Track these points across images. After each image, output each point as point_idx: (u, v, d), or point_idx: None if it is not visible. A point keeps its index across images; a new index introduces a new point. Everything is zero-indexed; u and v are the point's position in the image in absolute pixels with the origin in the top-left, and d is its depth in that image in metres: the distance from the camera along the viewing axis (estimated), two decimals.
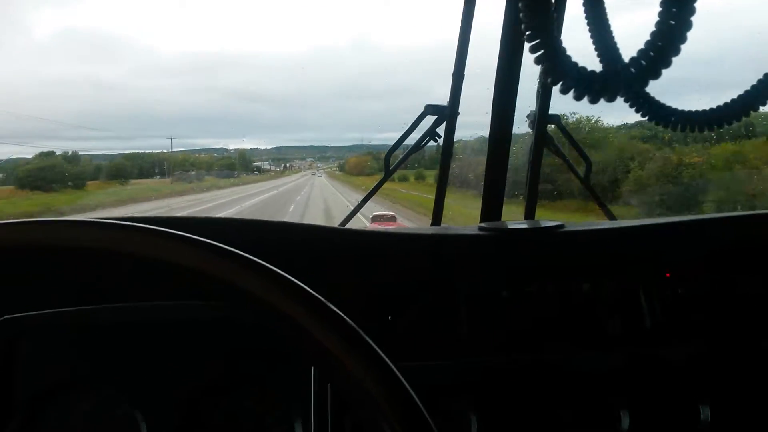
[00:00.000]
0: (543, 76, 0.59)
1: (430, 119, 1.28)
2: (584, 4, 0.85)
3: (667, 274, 0.96)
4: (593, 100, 0.61)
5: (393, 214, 3.16)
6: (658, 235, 1.04)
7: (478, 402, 0.88)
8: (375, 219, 3.10)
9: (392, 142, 1.34)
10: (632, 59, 0.59)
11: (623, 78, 0.61)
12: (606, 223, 1.11)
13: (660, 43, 0.58)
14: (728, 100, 0.70)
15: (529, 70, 1.30)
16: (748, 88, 0.71)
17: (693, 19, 0.57)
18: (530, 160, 1.35)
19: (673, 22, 0.57)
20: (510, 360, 0.91)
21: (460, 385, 0.89)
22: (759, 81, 0.70)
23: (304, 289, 0.43)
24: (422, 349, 0.89)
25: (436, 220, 1.34)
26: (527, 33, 0.58)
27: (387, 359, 0.42)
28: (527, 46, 0.59)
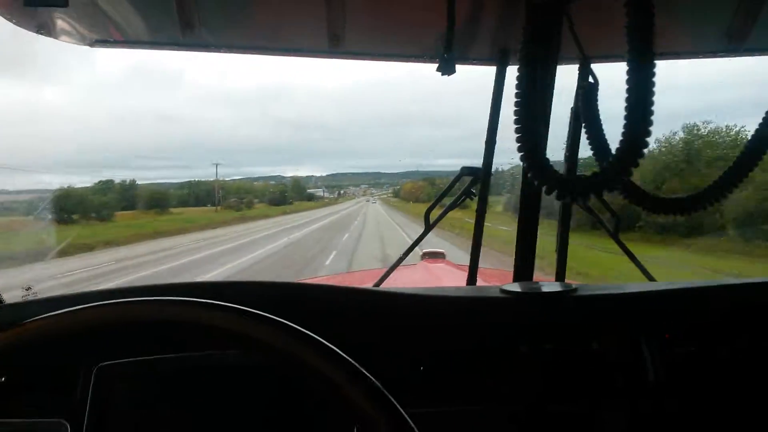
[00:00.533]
0: (533, 180, 0.76)
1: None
2: (582, 114, 1.00)
3: (667, 336, 1.06)
4: (573, 202, 0.78)
5: (443, 251, 3.32)
6: (660, 300, 1.15)
7: None
8: (425, 256, 3.26)
9: (447, 168, 1.49)
10: (609, 162, 0.73)
11: (595, 184, 0.76)
12: (615, 287, 1.20)
13: (627, 147, 0.71)
14: (702, 189, 0.81)
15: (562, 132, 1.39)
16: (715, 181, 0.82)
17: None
18: (560, 219, 1.44)
19: (634, 128, 0.70)
20: (530, 409, 1.04)
21: (485, 429, 1.03)
22: (725, 172, 0.80)
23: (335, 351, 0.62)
24: (451, 397, 1.03)
25: (472, 278, 1.43)
26: (520, 153, 0.75)
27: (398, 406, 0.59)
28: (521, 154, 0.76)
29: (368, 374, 0.61)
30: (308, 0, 1.20)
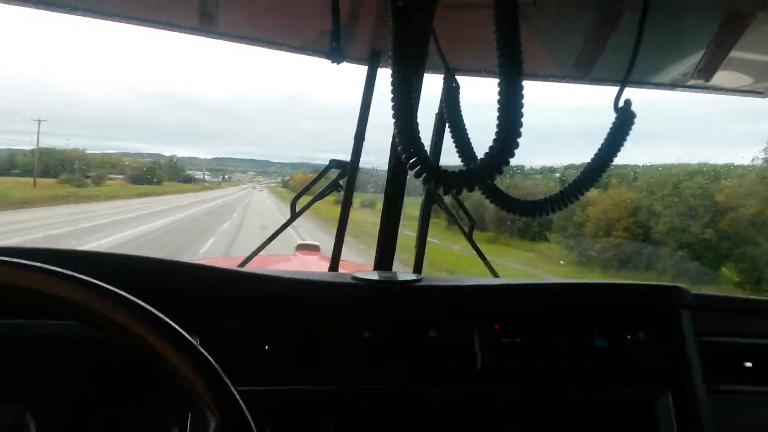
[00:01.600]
0: (411, 169, 0.80)
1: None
2: (447, 118, 1.08)
3: (496, 326, 1.21)
4: (447, 192, 0.83)
5: (317, 244, 3.35)
6: (494, 294, 1.29)
7: (336, 420, 1.11)
8: (299, 248, 3.27)
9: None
10: (481, 159, 0.79)
11: (468, 178, 0.81)
12: (458, 280, 1.36)
13: (498, 147, 0.77)
14: (550, 195, 0.93)
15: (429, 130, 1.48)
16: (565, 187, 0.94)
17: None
18: (420, 215, 1.54)
19: (506, 130, 0.77)
20: (367, 389, 1.14)
21: (324, 407, 1.12)
22: (570, 184, 0.93)
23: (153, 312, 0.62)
24: (293, 375, 1.11)
25: (335, 263, 1.49)
26: (402, 154, 0.78)
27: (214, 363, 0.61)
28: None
29: (185, 334, 0.61)
30: None
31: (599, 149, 0.97)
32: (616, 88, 1.01)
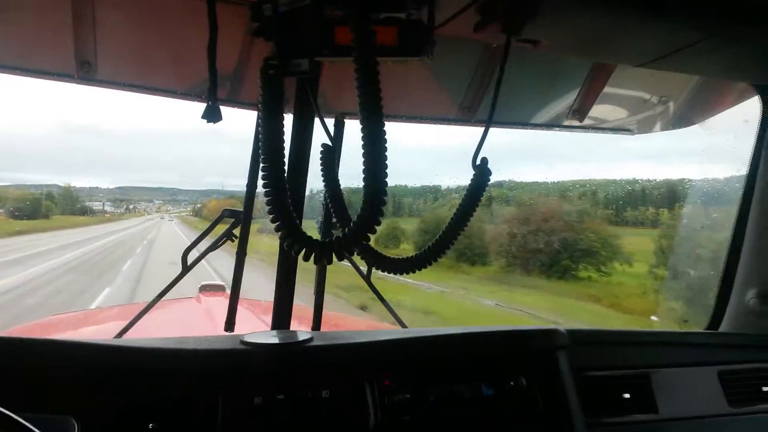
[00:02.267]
0: (287, 248, 0.81)
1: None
2: (323, 173, 1.10)
3: (386, 383, 1.22)
4: (316, 262, 0.84)
5: (223, 284, 3.14)
6: (383, 348, 1.29)
7: None
8: (203, 289, 2.99)
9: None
10: (352, 225, 0.81)
11: (338, 248, 0.82)
12: (352, 335, 1.35)
13: (367, 215, 0.80)
14: (419, 253, 0.97)
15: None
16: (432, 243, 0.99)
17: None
18: (317, 274, 1.55)
19: (372, 192, 0.79)
20: None
21: None
22: (436, 240, 0.98)
23: None
24: None
25: (230, 323, 1.47)
26: (270, 214, 0.78)
27: None
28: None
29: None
30: (54, 21, 1.14)
31: (460, 204, 1.05)
32: (501, 130, 1.07)
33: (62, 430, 0.95)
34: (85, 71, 1.24)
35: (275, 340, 1.19)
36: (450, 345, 1.33)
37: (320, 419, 1.15)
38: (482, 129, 1.63)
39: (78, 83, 1.28)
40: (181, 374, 1.10)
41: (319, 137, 1.38)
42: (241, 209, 1.43)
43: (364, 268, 1.58)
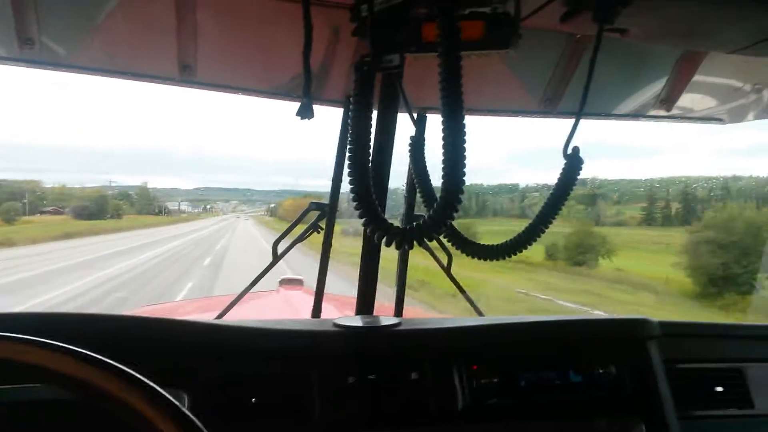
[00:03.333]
0: (370, 234, 0.86)
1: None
2: (412, 164, 1.15)
3: (474, 367, 1.26)
4: (398, 248, 0.89)
5: (301, 278, 3.34)
6: (471, 334, 1.36)
7: None
8: (283, 282, 3.23)
9: (323, 189, 1.63)
10: (429, 216, 0.85)
11: (417, 233, 0.87)
12: (438, 321, 1.43)
13: (445, 199, 0.84)
14: (508, 240, 1.00)
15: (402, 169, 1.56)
16: (521, 232, 1.02)
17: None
18: (399, 257, 1.60)
19: (451, 179, 0.83)
20: None
21: None
22: (525, 229, 1.00)
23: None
24: (280, 428, 1.15)
25: (317, 310, 1.58)
26: (356, 208, 0.85)
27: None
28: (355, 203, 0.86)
29: (170, 398, 0.65)
30: (159, 27, 1.25)
31: (551, 194, 1.05)
32: (585, 121, 1.08)
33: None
34: (186, 74, 1.36)
35: (366, 323, 1.29)
36: (537, 332, 1.39)
37: (409, 400, 1.22)
38: (563, 120, 1.64)
39: (179, 86, 1.41)
40: (278, 353, 1.21)
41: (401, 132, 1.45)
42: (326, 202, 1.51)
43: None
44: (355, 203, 0.90)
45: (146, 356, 1.09)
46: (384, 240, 0.88)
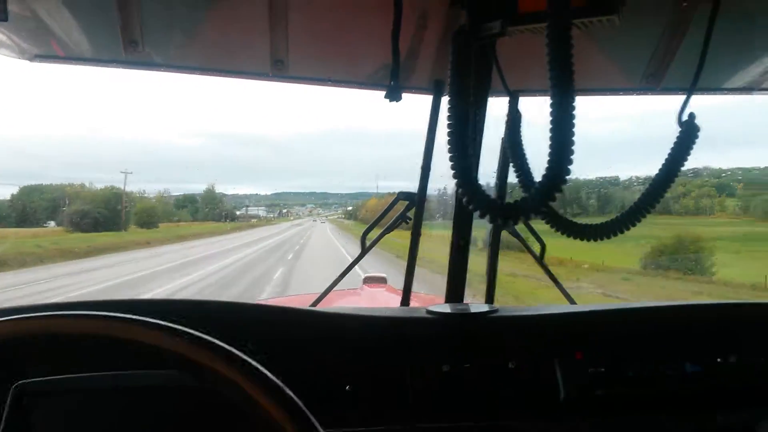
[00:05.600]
0: (467, 205, 0.87)
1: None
2: (508, 145, 1.15)
3: (578, 356, 1.24)
4: (504, 224, 0.90)
5: (384, 276, 3.41)
6: (574, 322, 1.35)
7: None
8: (366, 280, 3.33)
9: (398, 190, 1.62)
10: (535, 189, 0.85)
11: (523, 208, 0.87)
12: (535, 309, 1.40)
13: (551, 175, 0.83)
14: (613, 219, 0.98)
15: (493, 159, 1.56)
16: (630, 206, 0.99)
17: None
18: (490, 243, 1.61)
19: (557, 157, 0.82)
20: (450, 426, 1.20)
21: None
22: (635, 203, 0.98)
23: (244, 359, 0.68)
24: (375, 414, 1.19)
25: (406, 298, 1.60)
26: (457, 185, 0.86)
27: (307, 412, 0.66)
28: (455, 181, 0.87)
29: (284, 386, 0.67)
30: (252, 25, 1.32)
31: (664, 164, 1.02)
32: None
33: None
34: (278, 69, 1.44)
35: (459, 310, 1.30)
36: (647, 319, 1.34)
37: (508, 390, 1.22)
38: (666, 97, 1.58)
39: (272, 80, 1.49)
40: (373, 340, 1.25)
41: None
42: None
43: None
44: (456, 180, 0.91)
45: (239, 341, 1.15)
46: (488, 216, 0.88)
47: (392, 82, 1.19)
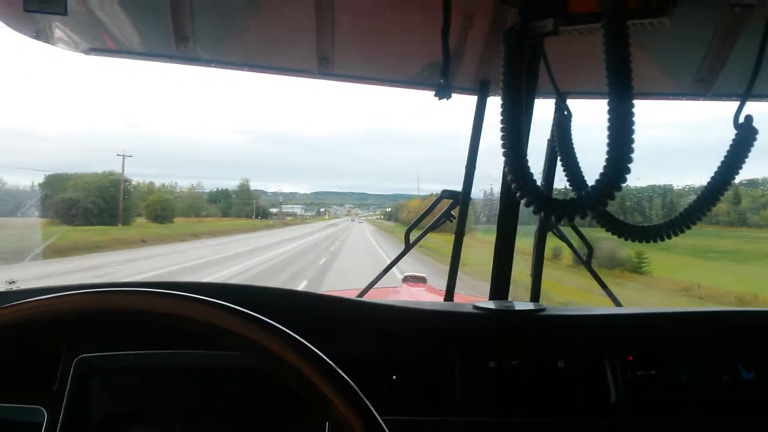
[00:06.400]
0: (520, 199, 0.88)
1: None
2: (558, 146, 1.16)
3: (630, 358, 1.24)
4: (558, 221, 0.90)
5: (424, 276, 3.49)
6: (624, 323, 1.34)
7: None
8: (406, 279, 3.41)
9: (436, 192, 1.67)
10: (592, 186, 0.85)
11: (579, 206, 0.87)
12: (583, 309, 1.40)
13: (609, 174, 0.84)
14: (669, 220, 0.97)
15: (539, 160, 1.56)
16: (685, 209, 0.98)
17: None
18: (535, 243, 1.61)
19: (617, 155, 0.83)
20: (496, 422, 1.20)
21: None
22: (690, 206, 0.97)
23: (308, 347, 0.69)
24: (421, 405, 1.20)
25: (450, 294, 1.59)
26: (511, 181, 0.87)
27: (368, 403, 0.67)
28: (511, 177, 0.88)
29: (340, 371, 0.68)
30: (299, 22, 1.36)
31: (719, 168, 1.01)
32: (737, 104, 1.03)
33: None
34: (324, 67, 1.47)
35: (506, 308, 1.31)
36: (700, 322, 1.34)
37: (556, 389, 1.23)
38: (714, 103, 1.55)
39: (318, 78, 1.52)
40: (420, 333, 1.27)
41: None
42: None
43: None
44: (509, 175, 0.92)
45: (292, 327, 1.18)
46: (542, 213, 0.89)
47: (442, 80, 1.20)
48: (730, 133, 1.02)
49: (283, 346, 0.67)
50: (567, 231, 1.68)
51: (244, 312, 0.69)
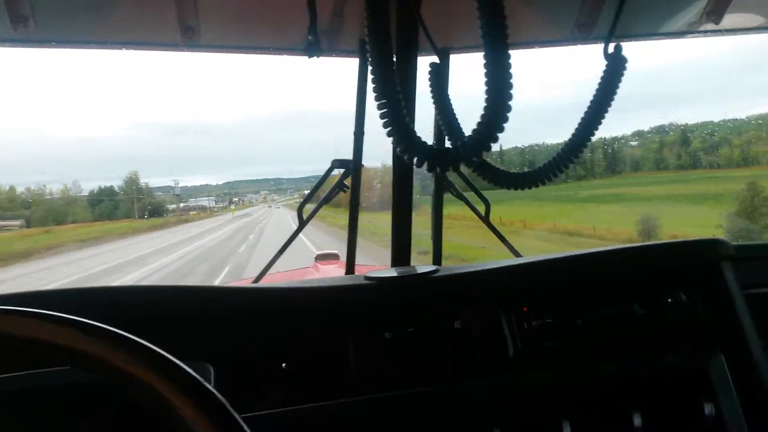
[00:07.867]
0: (401, 154, 0.85)
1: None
2: (434, 100, 1.14)
3: (524, 309, 1.26)
4: (442, 171, 0.88)
5: (336, 252, 3.45)
6: (518, 274, 1.34)
7: None
8: (318, 258, 3.37)
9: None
10: (469, 136, 0.84)
11: (461, 154, 0.85)
12: (477, 266, 1.40)
13: (486, 122, 0.82)
14: (542, 164, 0.98)
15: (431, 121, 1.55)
16: (558, 152, 0.99)
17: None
18: (433, 205, 1.61)
19: (494, 105, 0.82)
20: (393, 395, 1.18)
21: (351, 421, 1.15)
22: (561, 151, 0.98)
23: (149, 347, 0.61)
24: (315, 391, 1.15)
25: (350, 267, 1.60)
26: (394, 142, 0.84)
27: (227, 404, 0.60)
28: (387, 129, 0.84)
29: (186, 369, 0.61)
30: None
31: (591, 102, 1.02)
32: (626, 44, 1.04)
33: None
34: (189, 37, 1.37)
35: (401, 273, 1.28)
36: (593, 265, 1.36)
37: (455, 351, 1.22)
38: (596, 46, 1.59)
39: (183, 50, 1.42)
40: (310, 312, 1.22)
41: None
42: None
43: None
44: (384, 121, 0.87)
45: (166, 327, 1.06)
46: (416, 160, 0.87)
47: (310, 37, 1.14)
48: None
49: (115, 351, 0.58)
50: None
51: (70, 319, 0.59)
